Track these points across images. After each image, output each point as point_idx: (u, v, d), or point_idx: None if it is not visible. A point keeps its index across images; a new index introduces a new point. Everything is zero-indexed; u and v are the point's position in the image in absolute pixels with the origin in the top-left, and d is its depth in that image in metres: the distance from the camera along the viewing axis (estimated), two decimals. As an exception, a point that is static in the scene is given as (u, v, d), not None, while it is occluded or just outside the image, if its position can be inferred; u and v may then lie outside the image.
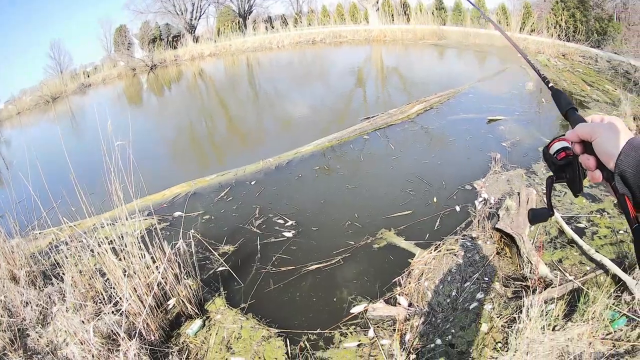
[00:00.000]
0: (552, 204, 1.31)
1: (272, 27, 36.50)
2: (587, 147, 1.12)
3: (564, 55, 18.17)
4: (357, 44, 27.44)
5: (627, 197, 1.03)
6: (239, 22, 36.26)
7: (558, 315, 4.00)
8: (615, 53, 17.56)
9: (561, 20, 20.58)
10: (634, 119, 9.73)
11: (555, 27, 20.24)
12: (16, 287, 5.35)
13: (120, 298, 4.40)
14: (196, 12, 37.54)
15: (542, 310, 3.86)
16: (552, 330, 3.90)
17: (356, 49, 26.34)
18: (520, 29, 22.72)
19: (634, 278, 4.45)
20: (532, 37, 21.26)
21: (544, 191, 1.50)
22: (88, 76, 30.16)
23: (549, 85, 1.41)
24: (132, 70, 28.64)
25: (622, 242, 5.57)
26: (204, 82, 22.96)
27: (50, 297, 5.25)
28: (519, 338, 3.80)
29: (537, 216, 1.31)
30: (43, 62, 40.67)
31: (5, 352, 4.66)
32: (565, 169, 1.22)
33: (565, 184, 1.26)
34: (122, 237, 4.73)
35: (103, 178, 4.84)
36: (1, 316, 5.04)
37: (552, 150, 1.23)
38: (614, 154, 1.03)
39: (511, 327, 4.07)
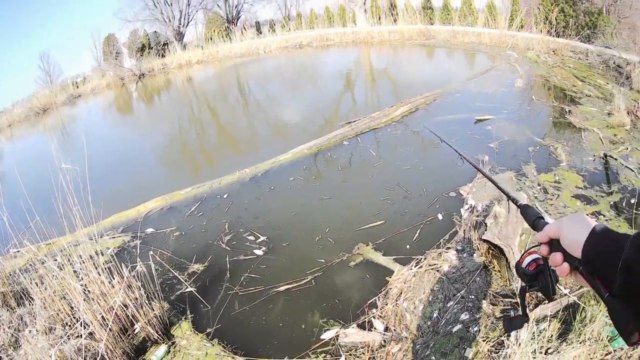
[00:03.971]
0: (527, 312, 1.44)
1: (260, 33, 36.40)
2: (554, 245, 1.22)
3: (554, 51, 17.89)
4: (345, 46, 27.22)
5: (597, 277, 1.08)
6: (227, 28, 36.11)
7: (552, 336, 3.60)
8: (606, 47, 17.38)
9: (551, 15, 20.32)
10: (628, 114, 9.43)
11: (544, 23, 20.00)
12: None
13: (82, 323, 4.23)
14: (184, 19, 37.54)
15: (533, 332, 3.46)
16: (545, 354, 3.50)
17: (344, 52, 26.11)
18: (509, 25, 22.45)
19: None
20: (520, 33, 20.99)
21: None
22: (77, 87, 29.99)
23: (518, 203, 1.52)
24: (121, 79, 28.52)
25: (623, 248, 5.13)
26: (193, 89, 22.72)
27: (22, 319, 5.08)
28: (507, 365, 3.39)
29: (512, 325, 1.45)
30: (34, 73, 40.82)
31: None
32: (537, 277, 1.33)
33: (539, 292, 1.35)
34: (87, 259, 4.54)
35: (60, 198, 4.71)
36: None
37: (524, 264, 1.36)
38: (580, 241, 1.11)
39: (499, 351, 3.65)
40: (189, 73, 28.05)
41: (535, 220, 1.37)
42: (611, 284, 1.03)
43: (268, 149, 9.82)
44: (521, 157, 7.86)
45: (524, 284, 1.39)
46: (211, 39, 34.44)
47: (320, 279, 5.26)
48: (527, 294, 1.52)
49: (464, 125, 9.97)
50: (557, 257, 1.18)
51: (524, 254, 1.38)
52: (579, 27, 20.96)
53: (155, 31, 37.85)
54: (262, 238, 6.27)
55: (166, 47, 35.76)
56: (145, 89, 25.16)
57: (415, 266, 5.06)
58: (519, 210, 1.50)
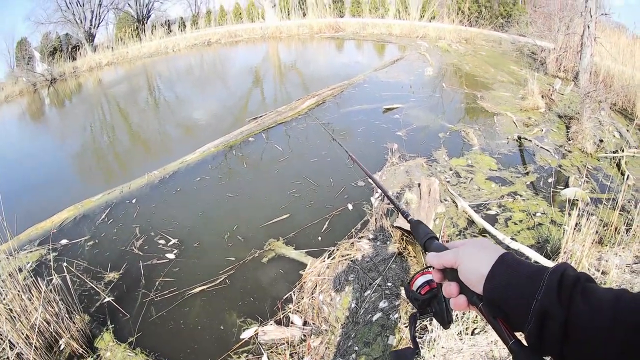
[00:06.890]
0: (417, 342, 1.28)
1: (170, 31, 36.13)
2: (448, 274, 1.08)
3: (466, 40, 18.53)
4: (253, 42, 27.39)
5: (499, 319, 0.93)
6: (137, 28, 35.65)
7: (476, 317, 3.72)
8: (520, 35, 18.20)
9: (463, 5, 21.03)
10: (543, 97, 9.88)
11: (457, 13, 20.66)
12: None
13: (8, 344, 4.12)
14: (95, 20, 36.79)
15: (457, 314, 3.59)
16: (472, 334, 3.63)
17: (253, 47, 26.32)
18: (421, 16, 23.03)
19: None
20: (432, 24, 21.63)
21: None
22: (-9, 95, 28.80)
23: (408, 218, 1.40)
24: (33, 86, 27.58)
25: (540, 224, 5.47)
26: (103, 92, 22.14)
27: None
28: (433, 350, 3.49)
29: (400, 358, 1.27)
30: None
31: None
32: (430, 302, 1.21)
33: (433, 319, 1.30)
34: (6, 277, 4.44)
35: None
36: None
37: (415, 286, 1.23)
38: (481, 275, 0.96)
39: (423, 336, 3.74)
40: (99, 75, 27.49)
41: (427, 241, 1.22)
42: (518, 329, 0.91)
43: (179, 150, 9.67)
44: (431, 143, 8.13)
45: (414, 310, 1.24)
46: (121, 39, 33.93)
47: (234, 277, 5.27)
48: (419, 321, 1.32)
49: (372, 115, 10.25)
50: (452, 288, 1.04)
51: (415, 275, 1.24)
52: (493, 16, 21.81)
53: (66, 33, 36.96)
54: (173, 241, 6.20)
55: (77, 49, 34.91)
56: (57, 95, 24.43)
57: (328, 258, 5.12)
58: (410, 225, 1.36)
